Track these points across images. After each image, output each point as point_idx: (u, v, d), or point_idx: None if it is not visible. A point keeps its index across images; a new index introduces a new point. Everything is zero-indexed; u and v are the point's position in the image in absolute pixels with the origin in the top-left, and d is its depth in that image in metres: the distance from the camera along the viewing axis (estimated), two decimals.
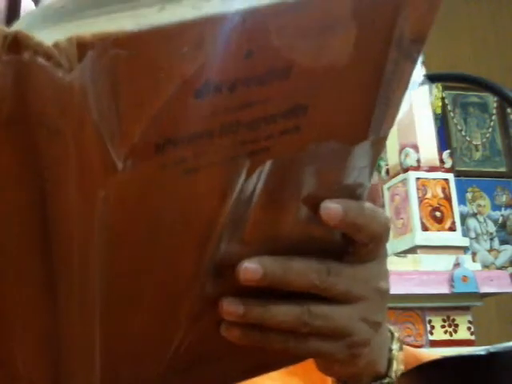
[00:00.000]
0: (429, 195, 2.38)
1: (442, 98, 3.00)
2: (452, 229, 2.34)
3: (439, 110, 2.91)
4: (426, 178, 2.38)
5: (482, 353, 0.35)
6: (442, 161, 2.45)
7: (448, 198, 2.43)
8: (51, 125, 0.26)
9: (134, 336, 0.34)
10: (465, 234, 2.91)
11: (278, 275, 0.36)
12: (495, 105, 3.14)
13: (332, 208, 0.35)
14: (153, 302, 0.34)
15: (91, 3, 0.25)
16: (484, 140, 3.12)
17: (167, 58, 0.26)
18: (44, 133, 0.26)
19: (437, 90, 2.96)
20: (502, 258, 2.97)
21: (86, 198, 0.27)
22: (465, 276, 2.17)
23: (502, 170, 3.11)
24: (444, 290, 2.03)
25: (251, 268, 0.35)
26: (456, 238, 2.30)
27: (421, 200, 2.32)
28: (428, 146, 2.36)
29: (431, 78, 0.44)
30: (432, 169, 2.40)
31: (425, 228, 2.19)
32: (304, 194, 0.34)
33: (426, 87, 2.89)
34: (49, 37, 0.24)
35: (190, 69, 0.26)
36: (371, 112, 0.32)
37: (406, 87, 0.33)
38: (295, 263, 0.37)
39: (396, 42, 0.30)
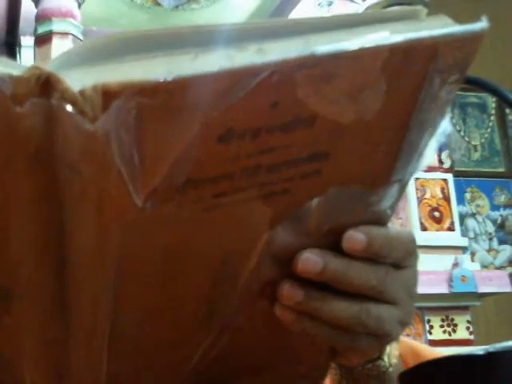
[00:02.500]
0: (428, 195, 2.37)
1: None
2: (451, 229, 2.34)
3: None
4: (424, 179, 2.37)
5: (481, 352, 0.35)
6: (440, 161, 2.45)
7: (447, 198, 2.42)
8: (73, 166, 0.26)
9: (146, 352, 0.34)
10: (464, 234, 2.90)
11: (339, 272, 0.35)
12: (494, 105, 3.13)
13: (355, 238, 0.35)
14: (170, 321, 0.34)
15: (131, 47, 0.25)
16: (483, 140, 3.12)
17: (193, 105, 0.26)
18: (66, 172, 0.26)
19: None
20: (500, 258, 2.97)
21: (102, 233, 0.28)
22: (464, 276, 2.17)
23: (501, 170, 3.11)
24: (443, 289, 2.03)
25: (312, 260, 0.34)
26: (455, 238, 2.31)
27: (420, 200, 2.32)
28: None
29: None
30: (431, 169, 2.40)
31: (424, 228, 2.19)
32: (328, 224, 0.34)
33: None
34: (77, 81, 0.24)
35: (214, 115, 0.26)
36: (395, 159, 0.32)
37: (432, 133, 0.32)
38: (356, 263, 0.36)
39: (426, 91, 0.30)
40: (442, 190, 2.44)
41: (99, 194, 0.26)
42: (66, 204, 0.27)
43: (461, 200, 2.96)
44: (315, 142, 0.29)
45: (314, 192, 0.31)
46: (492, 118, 3.14)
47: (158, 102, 0.25)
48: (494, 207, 3.05)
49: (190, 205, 0.29)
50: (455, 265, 2.45)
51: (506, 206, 3.07)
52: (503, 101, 0.39)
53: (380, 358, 0.46)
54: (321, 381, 0.44)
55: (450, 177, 2.40)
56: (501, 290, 2.22)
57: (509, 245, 3.00)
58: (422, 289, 1.90)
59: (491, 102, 3.13)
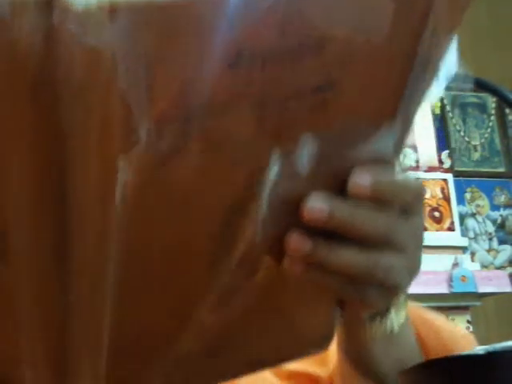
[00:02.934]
0: (428, 195, 2.38)
1: (441, 99, 3.00)
2: (451, 229, 2.35)
3: (438, 111, 2.91)
4: (424, 179, 2.38)
5: (481, 352, 0.35)
6: (440, 161, 2.45)
7: (447, 198, 2.43)
8: (76, 91, 0.24)
9: (148, 318, 0.33)
10: (463, 234, 2.90)
11: (346, 218, 0.34)
12: (494, 105, 3.13)
13: (360, 181, 0.33)
14: (170, 280, 0.32)
15: None
16: (483, 140, 3.12)
17: (203, 26, 0.25)
18: (68, 96, 0.25)
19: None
20: (500, 258, 2.97)
21: (105, 166, 0.26)
22: (464, 276, 2.17)
23: (501, 170, 3.11)
24: (443, 289, 2.03)
25: (318, 206, 0.33)
26: (455, 238, 2.31)
27: None
28: (427, 146, 2.36)
29: None
30: (431, 169, 2.40)
31: (424, 228, 2.19)
32: (332, 167, 0.33)
33: None
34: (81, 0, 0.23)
35: (224, 38, 0.25)
36: (401, 95, 0.31)
37: (437, 69, 0.32)
38: (363, 208, 0.34)
39: (431, 23, 0.30)
40: (442, 189, 2.45)
41: (102, 123, 0.25)
42: (68, 136, 0.25)
43: (461, 200, 2.96)
44: (323, 72, 0.29)
45: (320, 127, 0.30)
46: (492, 117, 3.14)
47: (166, 22, 0.24)
48: (494, 207, 3.05)
49: (196, 142, 0.28)
50: (455, 265, 2.45)
51: (506, 206, 3.07)
52: (503, 101, 0.39)
53: (388, 313, 0.45)
54: (326, 347, 0.43)
55: (449, 177, 2.41)
56: (501, 290, 2.22)
57: (509, 245, 3.00)
58: (421, 289, 1.90)
59: (491, 101, 3.13)
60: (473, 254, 2.88)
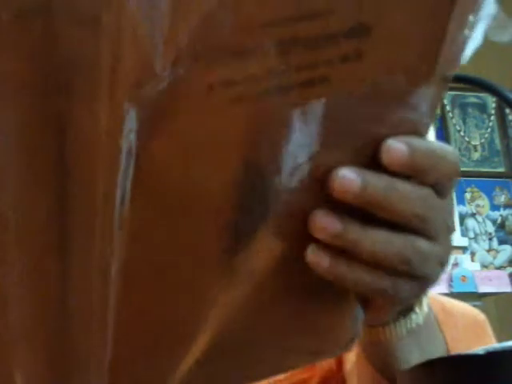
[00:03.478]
0: None
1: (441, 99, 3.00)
2: None
3: (438, 111, 2.91)
4: None
5: (481, 352, 0.35)
6: None
7: None
8: (82, 13, 0.21)
9: (155, 319, 0.31)
10: (464, 233, 2.90)
11: (380, 193, 0.30)
12: (494, 105, 3.14)
13: (396, 149, 0.30)
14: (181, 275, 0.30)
15: None
16: (483, 140, 3.12)
17: None
18: (73, 31, 0.22)
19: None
20: (500, 258, 2.97)
21: (113, 114, 0.23)
22: (463, 276, 2.17)
23: (501, 170, 3.12)
24: (443, 289, 2.03)
25: (349, 177, 0.29)
26: (455, 238, 2.30)
27: None
28: None
29: None
30: None
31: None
32: (361, 134, 0.30)
33: None
34: None
35: None
36: (438, 48, 0.29)
37: (471, 28, 0.30)
38: (400, 183, 0.31)
39: None
40: None
41: (113, 54, 0.22)
42: (69, 78, 0.22)
43: (461, 200, 2.96)
44: (357, 11, 0.26)
45: (354, 83, 0.28)
46: (492, 117, 3.14)
47: None
48: (494, 207, 3.05)
49: (218, 89, 0.25)
50: (455, 265, 2.44)
51: (506, 206, 3.07)
52: (503, 101, 0.39)
53: (412, 309, 0.42)
54: (350, 347, 0.39)
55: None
56: (501, 290, 2.22)
57: (509, 245, 3.00)
58: None
59: (491, 101, 3.13)
60: (473, 254, 2.88)
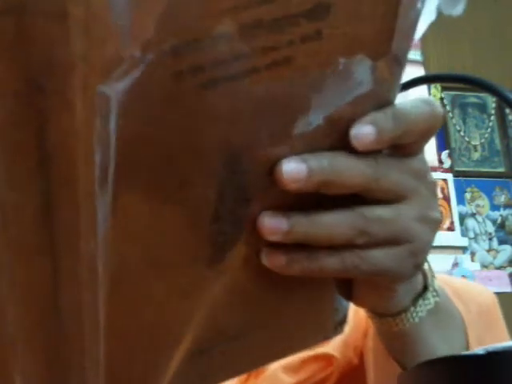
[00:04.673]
0: None
1: (441, 99, 3.00)
2: (451, 229, 2.35)
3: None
4: None
5: (481, 352, 0.35)
6: (440, 161, 2.45)
7: (447, 198, 2.43)
8: (51, 9, 0.22)
9: (149, 316, 0.31)
10: (464, 234, 2.91)
11: (326, 172, 0.30)
12: (494, 105, 3.14)
13: (363, 133, 0.31)
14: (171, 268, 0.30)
15: None
16: (483, 140, 3.12)
17: None
18: (41, 22, 0.22)
19: (436, 90, 2.97)
20: (500, 258, 2.97)
21: (87, 103, 0.23)
22: (464, 276, 2.17)
23: (501, 170, 3.12)
24: None
25: (294, 166, 0.30)
26: (455, 238, 2.31)
27: None
28: (426, 146, 2.35)
29: (430, 79, 0.44)
30: (431, 169, 2.39)
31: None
32: (328, 115, 0.30)
33: (424, 88, 2.89)
34: None
35: None
36: (394, 19, 0.30)
37: (422, 5, 0.30)
38: (341, 158, 0.31)
39: None
40: (442, 189, 2.45)
41: (83, 51, 0.22)
42: (45, 77, 0.23)
43: (461, 200, 2.96)
44: None
45: (318, 62, 0.29)
46: (492, 117, 3.14)
47: None
48: (494, 207, 3.05)
49: (188, 76, 0.26)
50: (455, 265, 2.45)
51: (506, 206, 3.07)
52: (503, 101, 0.39)
53: (427, 288, 0.40)
54: (339, 332, 0.39)
55: (449, 177, 2.41)
56: (501, 289, 2.22)
57: (509, 245, 3.00)
58: None
59: (491, 101, 3.13)
60: (473, 254, 2.88)
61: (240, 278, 0.33)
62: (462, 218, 2.94)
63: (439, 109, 0.34)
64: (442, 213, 2.35)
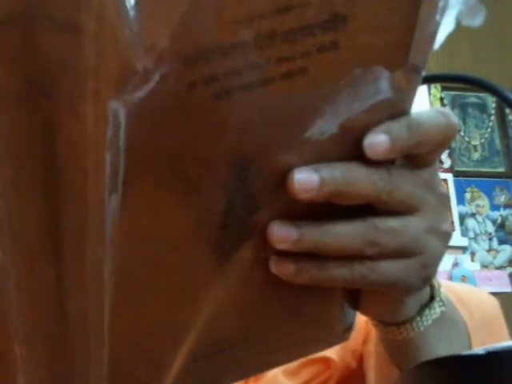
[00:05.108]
0: None
1: (441, 99, 3.00)
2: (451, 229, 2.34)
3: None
4: None
5: (481, 352, 0.35)
6: (440, 161, 2.45)
7: None
8: (62, 19, 0.21)
9: (151, 318, 0.31)
10: (464, 233, 2.90)
11: (338, 182, 0.30)
12: (494, 105, 3.14)
13: (377, 143, 0.30)
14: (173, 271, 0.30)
15: None
16: (483, 140, 3.12)
17: None
18: (50, 32, 0.22)
19: (436, 90, 2.96)
20: (500, 258, 2.97)
21: (98, 115, 0.23)
22: (464, 276, 2.17)
23: (501, 170, 3.11)
24: None
25: (306, 176, 0.30)
26: (455, 238, 2.31)
27: None
28: None
29: (430, 79, 0.44)
30: None
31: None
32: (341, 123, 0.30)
33: (424, 88, 2.89)
34: None
35: None
36: (411, 34, 0.29)
37: (443, 13, 0.30)
38: (354, 168, 0.31)
39: None
40: None
41: (95, 63, 0.22)
42: (53, 81, 0.22)
43: (461, 200, 2.96)
44: (334, 1, 0.27)
45: (333, 72, 0.28)
46: (492, 117, 3.14)
47: None
48: (494, 207, 3.05)
49: (200, 86, 0.25)
50: (455, 265, 2.44)
51: (506, 206, 3.07)
52: (503, 101, 0.39)
53: (433, 297, 0.40)
54: (346, 338, 0.39)
55: (449, 177, 2.40)
56: (501, 289, 2.22)
57: (509, 245, 3.00)
58: None
59: (491, 101, 3.13)
60: (473, 254, 2.88)
61: (246, 284, 0.33)
62: (462, 217, 2.94)
63: (454, 120, 0.34)
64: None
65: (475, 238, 2.95)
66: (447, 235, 0.35)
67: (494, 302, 0.56)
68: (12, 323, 0.28)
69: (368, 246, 0.32)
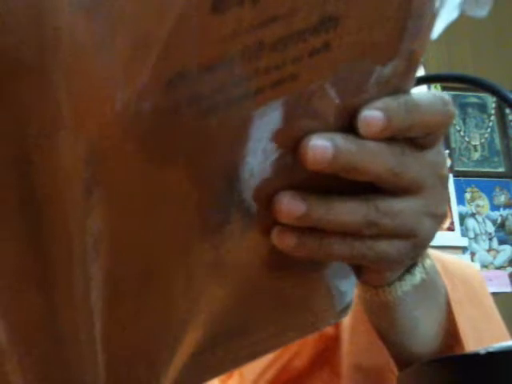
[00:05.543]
0: None
1: None
2: (451, 229, 2.34)
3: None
4: None
5: (481, 352, 0.35)
6: None
7: None
8: (26, 62, 0.21)
9: (147, 315, 0.31)
10: (464, 234, 2.90)
11: (353, 156, 0.30)
12: (494, 105, 3.13)
13: (372, 118, 0.30)
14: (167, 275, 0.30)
15: None
16: (483, 140, 3.12)
17: None
18: (16, 77, 0.21)
19: (435, 90, 2.96)
20: (500, 258, 2.97)
21: (75, 147, 0.22)
22: None
23: (501, 170, 3.11)
24: None
25: (321, 145, 0.29)
26: (455, 238, 2.31)
27: None
28: None
29: (430, 79, 0.44)
30: None
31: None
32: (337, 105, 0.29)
33: (424, 88, 2.89)
34: None
35: None
36: (404, 27, 0.29)
37: (442, 4, 0.30)
38: (370, 144, 0.30)
39: None
40: None
41: (72, 102, 0.22)
42: (31, 122, 0.22)
43: (461, 200, 2.96)
44: (322, 4, 0.26)
45: (323, 73, 0.28)
46: (492, 117, 3.14)
47: None
48: (494, 207, 3.05)
49: (185, 107, 0.25)
50: None
51: (506, 206, 3.07)
52: (503, 101, 0.39)
53: (417, 264, 0.40)
54: (345, 315, 0.40)
55: (449, 177, 2.40)
56: (501, 289, 2.22)
57: (509, 245, 3.00)
58: None
59: (491, 101, 3.13)
60: (473, 254, 2.88)
61: (242, 270, 0.33)
62: (462, 218, 2.94)
63: (451, 105, 0.33)
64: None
65: (475, 238, 2.95)
66: (443, 217, 0.35)
67: (479, 277, 0.57)
68: (4, 340, 0.28)
69: (367, 225, 0.32)
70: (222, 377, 0.55)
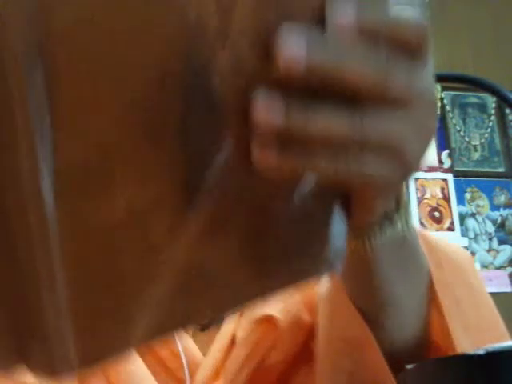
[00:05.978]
0: (428, 195, 2.38)
1: (441, 99, 3.00)
2: (451, 229, 2.35)
3: (438, 111, 2.91)
4: (424, 179, 2.38)
5: (481, 352, 0.35)
6: (440, 161, 2.45)
7: (447, 199, 2.42)
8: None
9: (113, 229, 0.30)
10: (464, 234, 2.90)
11: (331, 59, 0.27)
12: (494, 105, 3.13)
13: (341, 11, 0.27)
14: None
15: None
16: (483, 140, 3.12)
17: None
18: None
19: (435, 90, 2.96)
20: (500, 258, 2.97)
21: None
22: None
23: (501, 170, 3.11)
24: None
25: (293, 44, 0.26)
26: (455, 238, 2.31)
27: (420, 200, 2.33)
28: None
29: None
30: (431, 169, 2.40)
31: (423, 228, 2.20)
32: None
33: None
34: None
35: None
36: None
37: None
38: (351, 46, 0.28)
39: None
40: (442, 190, 2.44)
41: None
42: None
43: (461, 200, 2.96)
44: None
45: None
46: (492, 117, 3.14)
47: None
48: (494, 207, 3.05)
49: None
50: None
51: (506, 206, 3.07)
52: (503, 101, 0.39)
53: (396, 213, 0.41)
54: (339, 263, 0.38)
55: (449, 177, 2.40)
56: (501, 289, 2.22)
57: (509, 245, 3.00)
58: None
59: (491, 101, 3.13)
60: (473, 254, 2.88)
61: (221, 207, 0.31)
62: (462, 218, 2.94)
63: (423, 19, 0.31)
64: (441, 213, 2.35)
65: (475, 238, 2.95)
66: (432, 132, 0.34)
67: (467, 255, 0.57)
68: None
69: (351, 136, 0.30)
70: (209, 379, 0.55)
